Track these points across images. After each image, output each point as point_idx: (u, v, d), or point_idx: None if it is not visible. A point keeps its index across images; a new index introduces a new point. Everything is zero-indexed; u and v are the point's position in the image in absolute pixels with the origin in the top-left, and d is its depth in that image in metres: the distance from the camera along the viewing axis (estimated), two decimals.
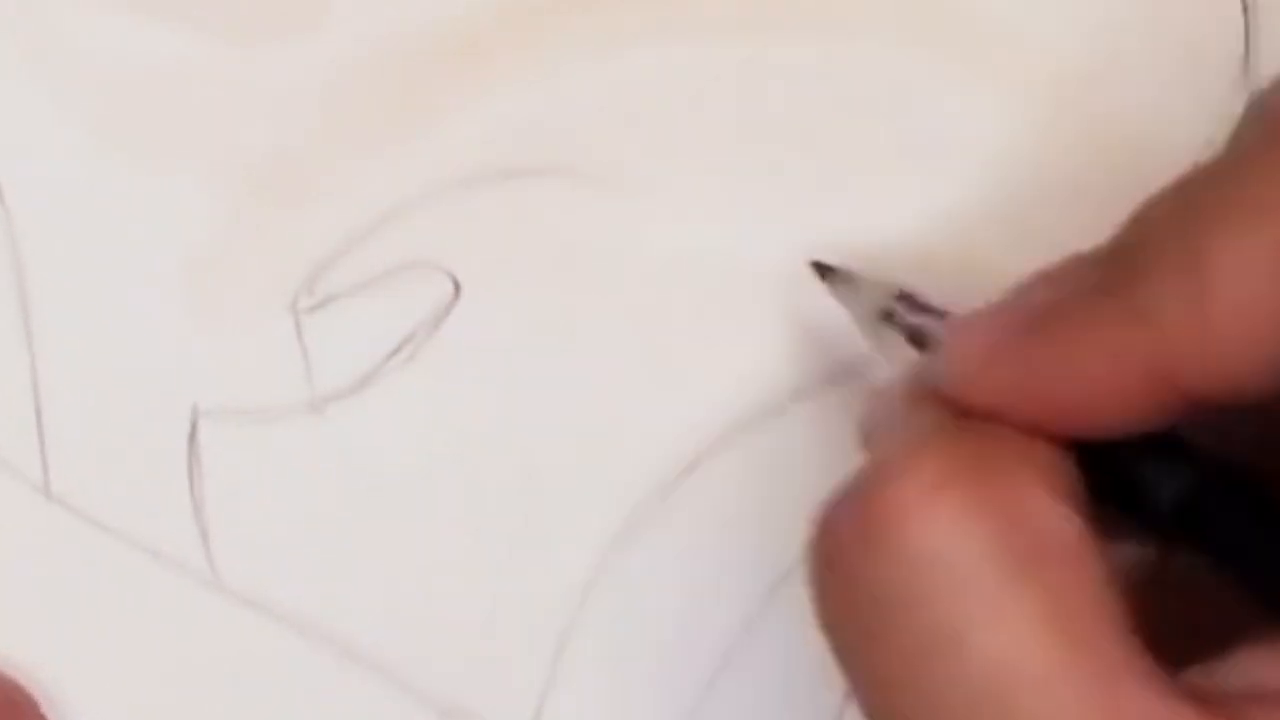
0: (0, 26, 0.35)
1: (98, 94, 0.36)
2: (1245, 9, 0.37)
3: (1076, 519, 0.28)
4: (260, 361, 0.37)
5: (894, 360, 0.34)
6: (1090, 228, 0.30)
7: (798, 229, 0.38)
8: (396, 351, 0.37)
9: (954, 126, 0.38)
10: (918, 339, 0.34)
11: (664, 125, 0.37)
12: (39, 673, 0.37)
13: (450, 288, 0.37)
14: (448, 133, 0.37)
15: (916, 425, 0.30)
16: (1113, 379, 0.28)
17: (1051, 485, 0.29)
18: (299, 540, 0.37)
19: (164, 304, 0.36)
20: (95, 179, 0.36)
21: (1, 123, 0.36)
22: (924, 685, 0.28)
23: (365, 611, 0.38)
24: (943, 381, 0.30)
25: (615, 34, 0.37)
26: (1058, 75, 0.37)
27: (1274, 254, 0.27)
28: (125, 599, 0.37)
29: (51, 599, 0.37)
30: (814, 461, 0.38)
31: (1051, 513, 0.28)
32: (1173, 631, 0.29)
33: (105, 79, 0.36)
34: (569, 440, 0.38)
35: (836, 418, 0.38)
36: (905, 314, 0.34)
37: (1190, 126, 0.36)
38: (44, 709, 0.37)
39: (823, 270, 0.36)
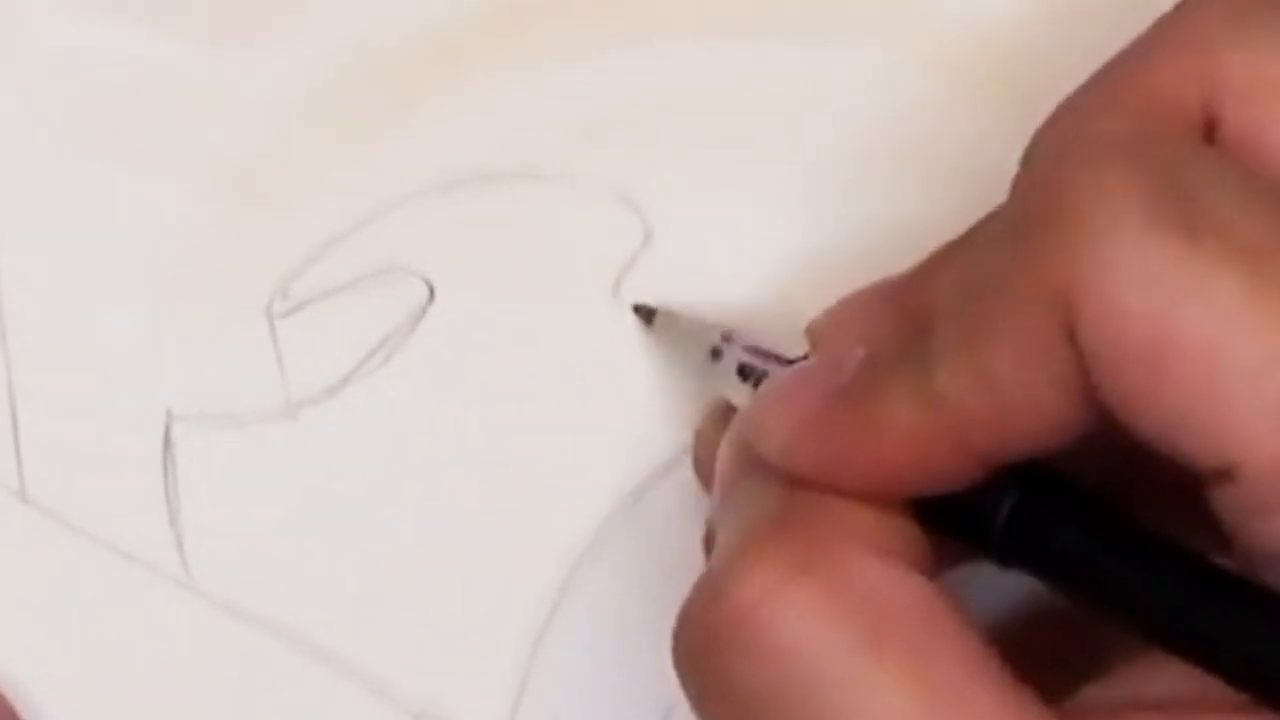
0: None
1: (72, 98, 0.36)
2: None
3: (921, 580, 0.29)
4: (235, 366, 0.37)
5: (727, 396, 0.35)
6: None
7: (778, 233, 0.38)
8: (371, 356, 0.37)
9: (935, 131, 0.38)
10: (745, 374, 0.34)
11: (641, 130, 0.38)
12: (14, 675, 0.37)
13: (425, 292, 0.37)
14: (422, 137, 0.37)
15: (749, 504, 0.31)
16: (917, 455, 0.29)
17: (891, 555, 0.29)
18: (273, 543, 0.37)
19: (139, 308, 0.37)
20: (70, 183, 0.36)
21: None
22: None
23: (339, 614, 0.38)
24: (761, 451, 0.31)
25: (591, 39, 0.37)
26: (1034, 77, 0.37)
27: (1051, 334, 0.28)
28: (100, 602, 0.37)
29: (27, 602, 0.37)
30: None
31: (895, 583, 0.29)
32: (1064, 652, 0.30)
33: (79, 83, 0.36)
34: (543, 444, 0.38)
35: None
36: (732, 353, 0.35)
37: None
38: (19, 712, 0.37)
39: (646, 314, 0.37)
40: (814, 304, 0.35)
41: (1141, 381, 0.27)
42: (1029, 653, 0.29)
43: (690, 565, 0.37)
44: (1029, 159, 0.30)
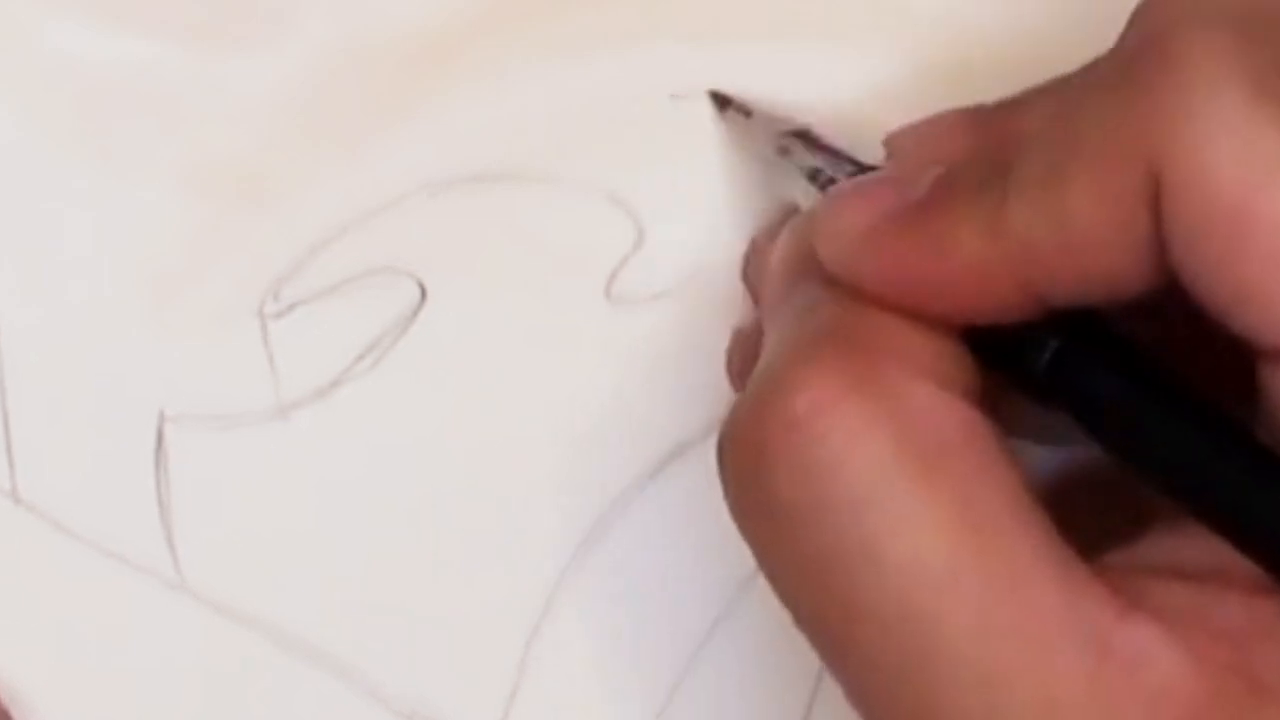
0: None
1: (64, 100, 0.36)
2: None
3: (973, 412, 0.29)
4: (226, 367, 0.37)
5: (793, 196, 0.34)
6: None
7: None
8: (363, 357, 0.37)
9: None
10: (814, 177, 0.34)
11: (633, 130, 0.37)
12: (6, 676, 0.37)
13: (417, 293, 0.37)
14: (414, 139, 0.37)
15: (804, 310, 0.31)
16: (978, 285, 0.29)
17: (945, 381, 0.29)
18: (265, 545, 0.37)
19: (130, 310, 0.37)
20: (61, 184, 0.36)
21: None
22: (838, 591, 0.28)
23: (330, 616, 0.38)
24: (822, 255, 0.31)
25: (582, 40, 0.37)
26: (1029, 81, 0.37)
27: (1133, 189, 0.28)
28: (92, 603, 0.37)
29: (18, 603, 0.37)
30: None
31: (945, 411, 0.29)
32: (1097, 518, 0.30)
33: (71, 84, 0.36)
34: (536, 444, 0.38)
35: None
36: (802, 151, 0.34)
37: None
38: (11, 712, 0.37)
39: (721, 101, 0.37)
40: None
41: (1219, 250, 0.27)
42: (1063, 512, 0.29)
43: (683, 566, 0.37)
44: (1139, 13, 0.29)
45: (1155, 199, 0.28)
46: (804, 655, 0.36)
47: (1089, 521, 0.30)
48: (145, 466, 0.37)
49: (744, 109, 0.37)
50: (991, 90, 0.33)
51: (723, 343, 0.38)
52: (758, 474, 0.29)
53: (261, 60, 0.37)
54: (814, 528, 0.28)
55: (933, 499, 0.28)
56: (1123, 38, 0.30)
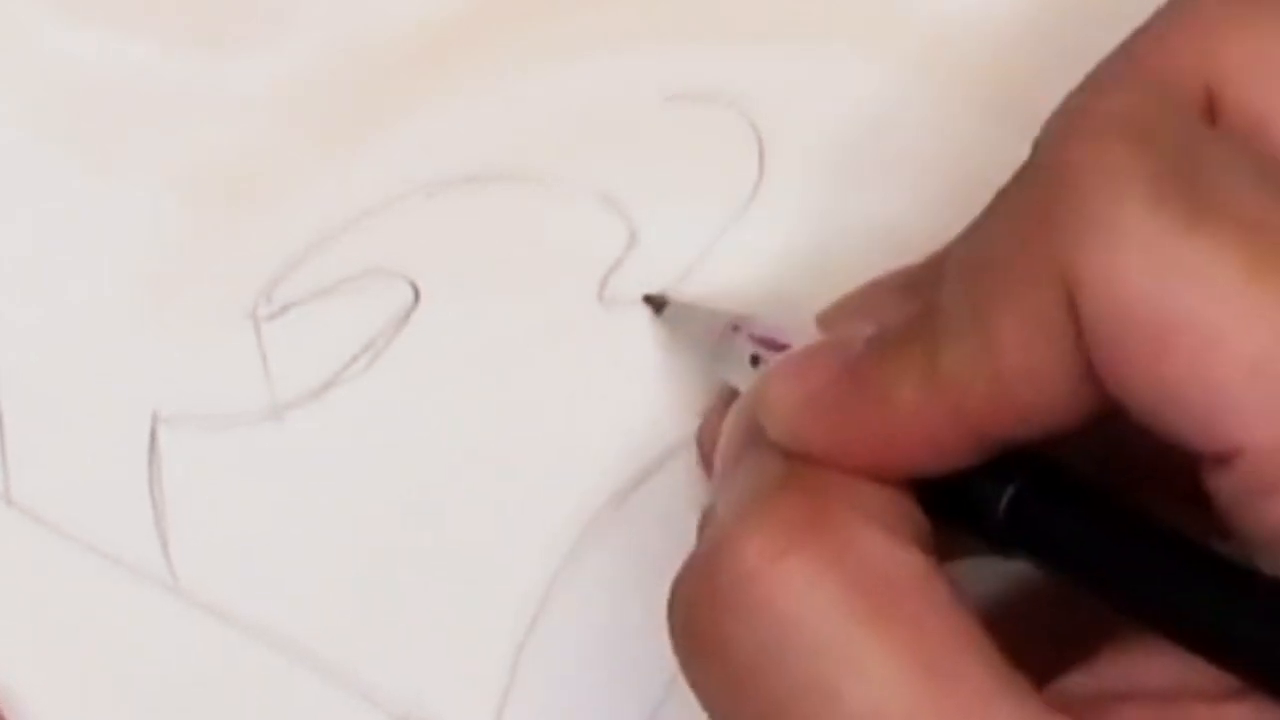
0: None
1: (57, 100, 0.36)
2: None
3: (920, 556, 0.29)
4: (220, 368, 0.37)
5: (736, 384, 0.35)
6: None
7: (763, 236, 0.38)
8: (356, 358, 0.37)
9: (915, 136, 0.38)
10: (755, 363, 0.34)
11: (626, 132, 0.38)
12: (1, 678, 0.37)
13: (410, 294, 0.37)
14: (407, 140, 0.37)
15: (752, 474, 0.31)
16: (920, 434, 0.29)
17: (893, 526, 0.29)
18: (258, 546, 0.37)
19: (124, 311, 0.37)
20: (54, 185, 0.36)
21: None
22: None
23: (324, 617, 0.38)
24: (767, 427, 0.31)
25: (576, 42, 0.37)
26: (1021, 79, 0.37)
27: (1053, 309, 0.28)
28: (85, 604, 0.37)
29: (11, 604, 0.37)
30: None
31: (895, 556, 0.29)
32: (1052, 639, 0.30)
33: (64, 85, 0.36)
34: (527, 446, 0.38)
35: None
36: (742, 341, 0.35)
37: None
38: (4, 712, 0.37)
39: (656, 304, 0.37)
40: (796, 306, 0.35)
41: (1141, 362, 0.27)
42: (1019, 639, 0.29)
43: (675, 567, 0.37)
44: (1039, 139, 0.30)
45: (1075, 319, 0.28)
46: None
47: (1044, 643, 0.30)
48: (139, 467, 0.37)
49: (680, 307, 0.37)
50: (996, 88, 0.33)
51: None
52: (711, 624, 0.29)
53: (257, 62, 0.37)
54: (770, 676, 0.28)
55: (887, 644, 0.28)
56: (1027, 162, 0.30)
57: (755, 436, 0.31)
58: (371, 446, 0.38)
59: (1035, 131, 0.30)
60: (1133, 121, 0.28)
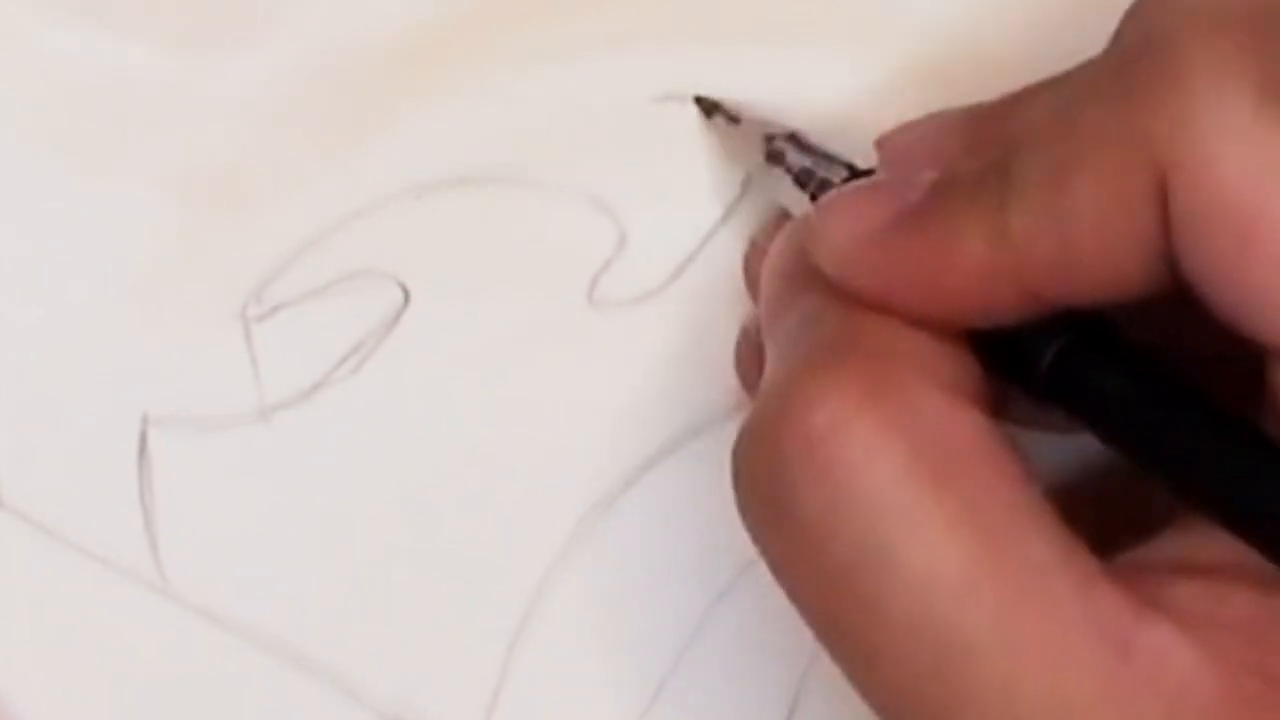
0: None
1: (46, 102, 0.36)
2: None
3: (983, 419, 0.29)
4: (209, 370, 0.37)
5: (781, 200, 0.34)
6: None
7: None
8: (345, 359, 0.37)
9: None
10: (803, 180, 0.34)
11: (615, 133, 0.38)
12: None
13: (400, 296, 0.37)
14: (397, 141, 0.37)
15: (810, 322, 0.31)
16: (980, 287, 0.29)
17: (954, 388, 0.30)
18: (248, 547, 0.37)
19: (113, 312, 0.37)
20: (43, 186, 0.36)
21: None
22: (858, 600, 0.29)
23: (314, 618, 0.38)
24: (821, 263, 0.31)
25: (566, 43, 0.37)
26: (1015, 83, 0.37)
27: (1138, 190, 0.28)
28: (75, 605, 0.37)
29: (2, 606, 0.37)
30: None
31: (956, 420, 0.29)
32: (1114, 513, 0.30)
33: (53, 87, 0.36)
34: (517, 447, 0.38)
35: None
36: (793, 154, 0.34)
37: None
38: None
39: (707, 107, 0.37)
40: None
41: (1226, 252, 0.27)
42: (1081, 509, 0.29)
43: (666, 569, 0.37)
44: (1137, 12, 0.30)
45: (1160, 201, 0.28)
46: (786, 661, 0.36)
47: (1100, 519, 0.30)
48: (128, 469, 0.37)
49: (730, 114, 0.37)
50: (988, 91, 0.33)
51: (706, 345, 0.38)
52: (776, 487, 0.29)
53: (246, 63, 0.37)
54: (834, 538, 0.29)
55: (946, 509, 0.28)
56: (1119, 36, 0.30)
57: (805, 272, 0.31)
58: (361, 448, 0.38)
59: None
60: (1246, 14, 0.28)
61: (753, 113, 0.37)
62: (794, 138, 0.35)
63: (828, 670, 0.36)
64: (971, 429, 0.29)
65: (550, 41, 0.37)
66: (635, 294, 0.38)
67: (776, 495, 0.29)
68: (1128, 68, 0.29)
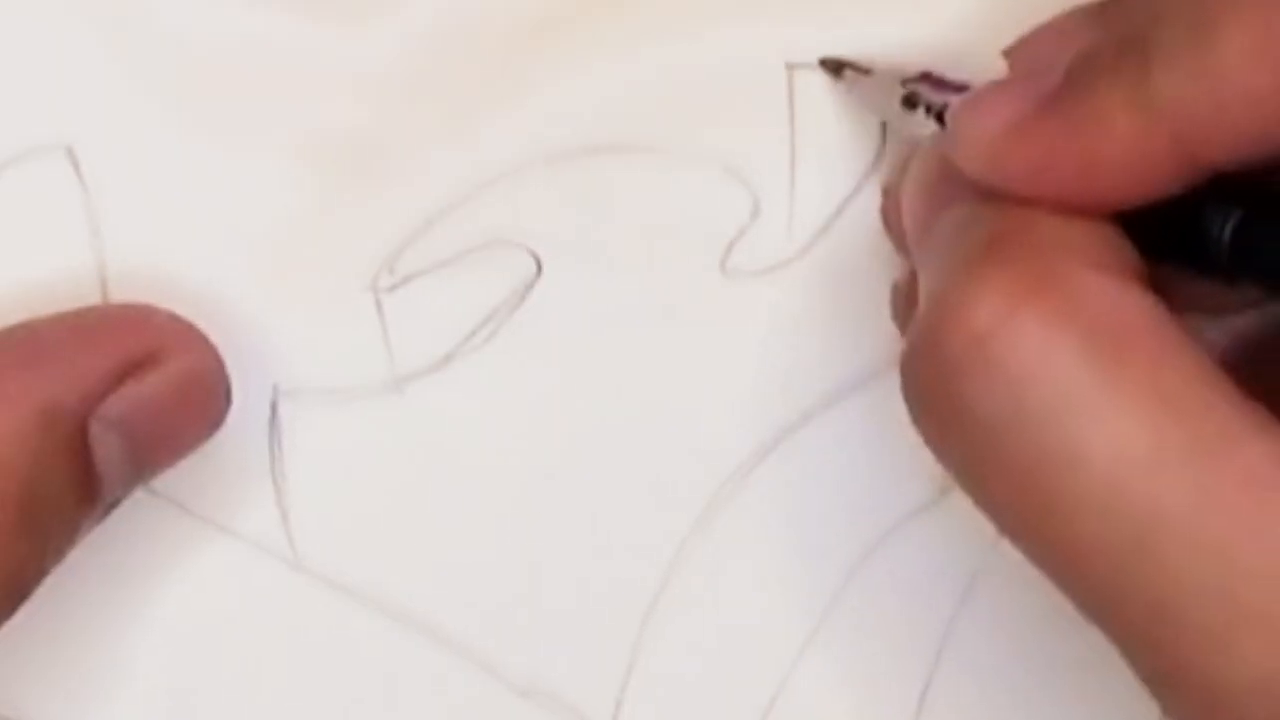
0: (84, 6, 0.35)
1: (179, 72, 0.35)
2: None
3: (1147, 297, 0.29)
4: (340, 341, 0.37)
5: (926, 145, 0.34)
6: None
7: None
8: (477, 330, 0.37)
9: None
10: (944, 119, 0.33)
11: (747, 100, 0.37)
12: (122, 650, 0.37)
13: (532, 266, 0.37)
14: (528, 110, 0.37)
15: (957, 232, 0.30)
16: (1133, 160, 0.29)
17: (1115, 271, 0.29)
18: (379, 520, 0.37)
19: (244, 284, 0.36)
20: (175, 157, 0.36)
21: (82, 101, 0.35)
22: (1050, 493, 0.28)
23: (445, 591, 0.37)
24: (962, 165, 0.30)
25: (698, 10, 0.37)
26: None
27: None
28: (206, 580, 0.37)
29: (132, 578, 0.37)
30: (888, 444, 0.38)
31: (1124, 300, 0.29)
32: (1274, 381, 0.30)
33: (187, 57, 0.35)
34: (650, 418, 0.38)
35: None
36: (929, 95, 0.34)
37: None
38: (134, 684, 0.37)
39: (834, 67, 0.36)
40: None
41: None
42: (1241, 381, 0.28)
43: (800, 540, 0.37)
44: None
45: None
46: (923, 628, 0.36)
47: (1266, 388, 0.29)
48: (259, 442, 0.37)
49: (861, 68, 0.36)
50: None
51: (839, 315, 0.38)
52: (948, 392, 0.29)
53: (376, 32, 0.36)
54: (1014, 437, 0.28)
55: (1127, 389, 0.28)
56: None
57: (948, 187, 0.31)
58: (494, 419, 0.37)
59: None
60: None
61: (881, 63, 0.36)
62: (928, 77, 0.34)
63: (963, 633, 0.36)
64: (1140, 308, 0.29)
65: (681, 9, 0.37)
66: (768, 264, 0.38)
67: (950, 401, 0.29)
68: None
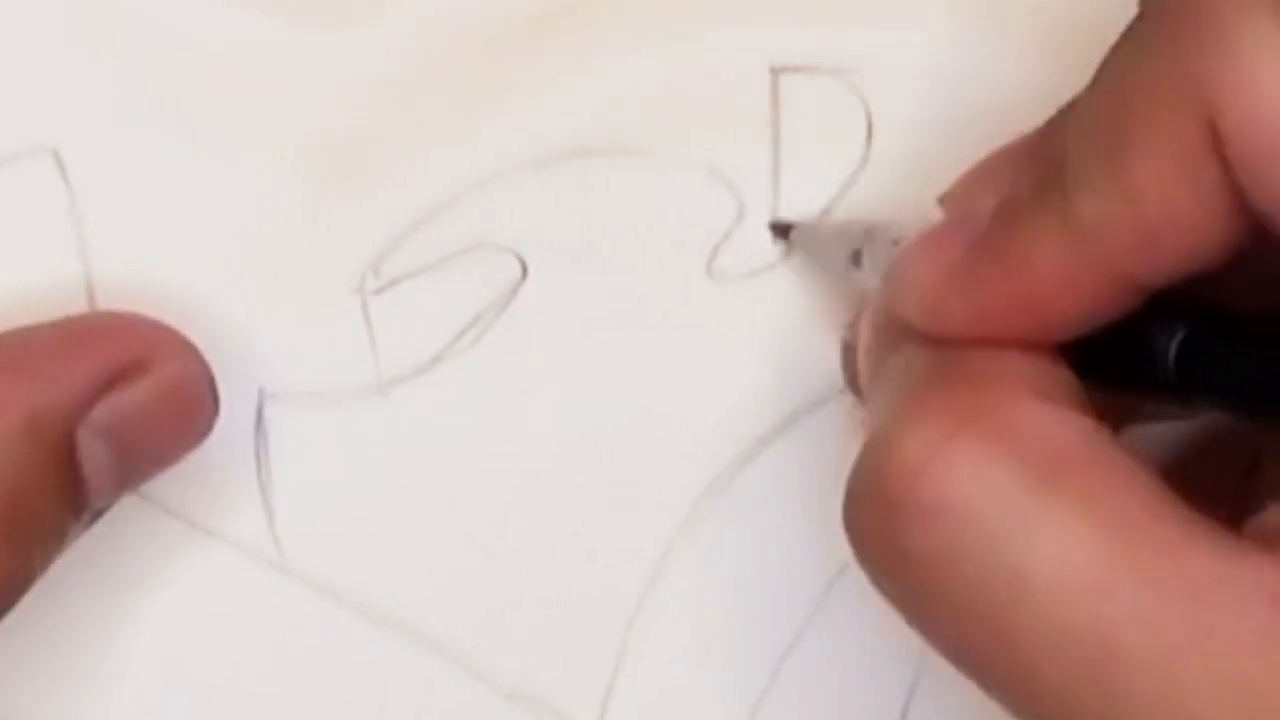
0: (67, 7, 0.35)
1: (166, 75, 0.35)
2: None
3: (1084, 419, 0.29)
4: (326, 344, 0.37)
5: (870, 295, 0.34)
6: None
7: (871, 209, 0.38)
8: (463, 333, 0.37)
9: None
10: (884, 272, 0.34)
11: (733, 104, 0.37)
12: (109, 655, 0.37)
13: (517, 269, 0.37)
14: (515, 114, 0.37)
15: (899, 373, 0.31)
16: (1066, 291, 0.29)
17: (1050, 396, 0.29)
18: (365, 522, 0.37)
19: (230, 286, 0.36)
20: (161, 160, 0.36)
21: (69, 103, 0.35)
22: (995, 624, 0.28)
23: (431, 594, 0.37)
24: (904, 313, 0.31)
25: (685, 13, 0.37)
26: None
27: (1193, 143, 0.27)
28: (193, 583, 0.37)
29: (118, 583, 0.37)
30: None
31: (1058, 423, 0.28)
32: (1234, 481, 0.30)
33: (174, 60, 0.35)
34: (636, 421, 0.38)
35: None
36: (874, 251, 0.34)
37: None
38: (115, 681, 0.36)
39: (782, 230, 0.37)
40: None
41: None
42: (1200, 488, 0.28)
43: (784, 545, 0.37)
44: None
45: (1219, 148, 0.27)
46: (906, 634, 0.36)
47: (1228, 486, 0.30)
48: (245, 443, 0.36)
49: (809, 229, 0.37)
50: None
51: (824, 318, 0.38)
52: (886, 530, 0.29)
53: (362, 35, 0.36)
54: (955, 571, 0.28)
55: (1066, 512, 0.28)
56: (1140, 8, 0.29)
57: (895, 335, 0.31)
58: (479, 421, 0.37)
59: None
60: None
61: (829, 222, 0.37)
62: (874, 234, 0.35)
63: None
64: (1076, 430, 0.28)
65: (669, 12, 0.37)
66: (754, 266, 0.38)
67: (889, 540, 0.29)
68: (1154, 29, 0.28)
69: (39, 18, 0.35)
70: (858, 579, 0.37)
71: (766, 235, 0.38)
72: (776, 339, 0.38)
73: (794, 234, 0.37)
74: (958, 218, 0.31)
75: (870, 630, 0.38)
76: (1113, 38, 0.35)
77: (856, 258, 0.35)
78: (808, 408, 0.38)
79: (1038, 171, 0.30)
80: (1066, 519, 0.28)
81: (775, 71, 0.37)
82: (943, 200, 0.34)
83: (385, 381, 0.37)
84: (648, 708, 0.38)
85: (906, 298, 0.31)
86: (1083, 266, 0.29)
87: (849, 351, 0.36)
